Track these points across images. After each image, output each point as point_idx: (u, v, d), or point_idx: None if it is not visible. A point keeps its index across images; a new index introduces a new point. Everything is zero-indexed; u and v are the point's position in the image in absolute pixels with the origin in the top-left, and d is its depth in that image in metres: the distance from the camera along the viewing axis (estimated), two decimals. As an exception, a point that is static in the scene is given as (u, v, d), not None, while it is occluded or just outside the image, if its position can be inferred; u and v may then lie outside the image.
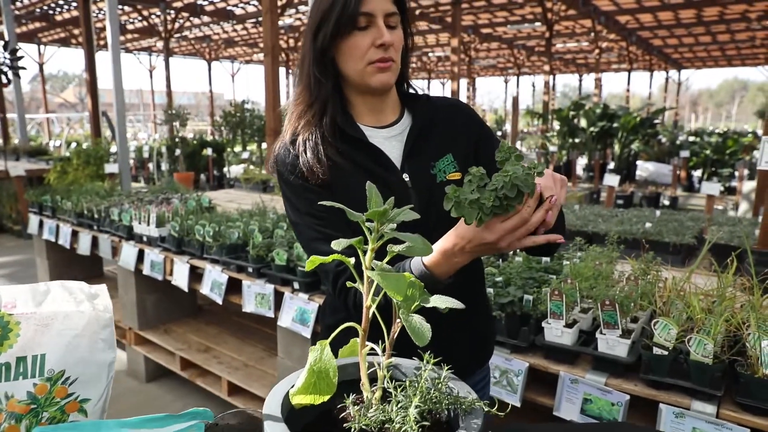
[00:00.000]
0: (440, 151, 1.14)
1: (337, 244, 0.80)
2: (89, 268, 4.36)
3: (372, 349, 0.87)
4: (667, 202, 8.52)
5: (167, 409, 3.11)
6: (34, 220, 4.10)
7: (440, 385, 0.81)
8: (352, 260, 0.86)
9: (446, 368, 0.83)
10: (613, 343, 1.58)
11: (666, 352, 1.48)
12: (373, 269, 0.85)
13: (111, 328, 0.88)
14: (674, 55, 25.55)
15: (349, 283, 0.91)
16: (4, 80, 7.65)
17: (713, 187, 5.13)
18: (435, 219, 1.09)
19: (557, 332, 1.68)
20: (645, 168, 11.33)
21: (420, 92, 1.22)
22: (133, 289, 3.30)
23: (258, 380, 2.78)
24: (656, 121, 12.81)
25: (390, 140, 1.14)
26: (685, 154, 10.34)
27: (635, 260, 1.96)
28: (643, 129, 11.49)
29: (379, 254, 0.84)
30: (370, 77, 1.06)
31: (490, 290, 1.86)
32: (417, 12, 15.42)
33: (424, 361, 0.81)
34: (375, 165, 1.10)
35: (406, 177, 1.11)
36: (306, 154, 1.07)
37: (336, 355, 0.95)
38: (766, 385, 1.34)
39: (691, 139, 12.57)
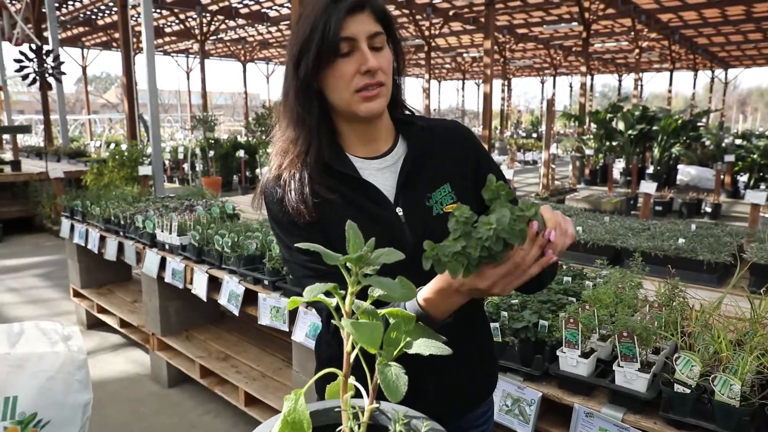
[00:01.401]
0: (436, 181, 1.07)
1: (310, 292, 0.75)
2: (118, 272, 4.45)
3: (359, 390, 0.83)
4: (709, 209, 8.15)
5: (188, 416, 3.15)
6: (66, 224, 4.21)
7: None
8: (334, 302, 0.82)
9: (426, 423, 0.78)
10: (631, 377, 1.49)
11: (688, 390, 1.38)
12: (354, 312, 0.81)
13: (86, 369, 0.86)
14: (721, 54, 24.58)
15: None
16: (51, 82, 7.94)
17: (759, 196, 4.84)
18: None
19: (572, 362, 1.59)
20: (686, 172, 10.90)
21: (416, 113, 1.16)
22: (157, 296, 3.34)
23: (274, 392, 2.77)
24: (700, 124, 12.31)
25: (383, 171, 1.08)
26: (729, 158, 9.88)
27: (660, 284, 1.85)
28: (684, 132, 11.05)
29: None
30: (357, 106, 1.00)
31: (504, 313, 1.79)
32: (451, 13, 15.30)
33: (395, 421, 0.76)
34: (366, 200, 1.04)
35: (399, 211, 1.05)
36: (291, 194, 1.02)
37: (324, 390, 0.91)
38: (798, 433, 1.24)
39: (738, 141, 12.02)
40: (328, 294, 0.81)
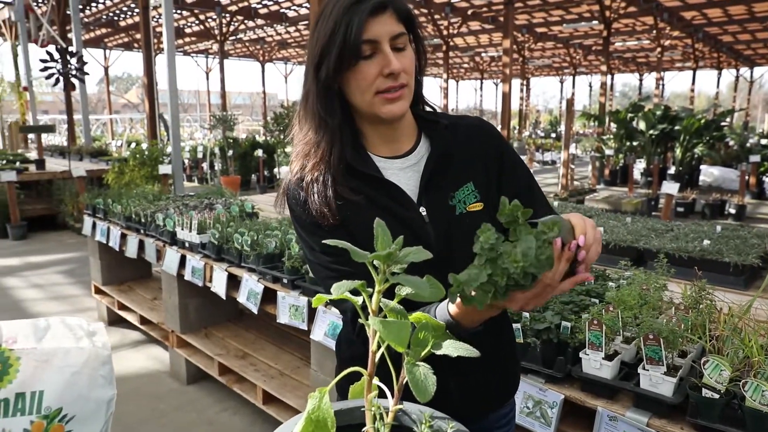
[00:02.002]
0: (459, 180, 1.06)
1: (337, 288, 0.74)
2: (139, 269, 4.50)
3: (383, 390, 0.82)
4: (733, 211, 7.99)
5: (207, 413, 3.17)
6: (88, 221, 4.27)
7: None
8: (360, 300, 0.81)
9: (451, 425, 0.77)
10: (656, 381, 1.46)
11: (717, 396, 1.34)
12: (381, 310, 0.80)
13: (110, 365, 0.86)
14: (746, 52, 24.07)
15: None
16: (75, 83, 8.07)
17: (785, 197, 4.74)
18: (457, 254, 1.02)
19: (595, 364, 1.56)
20: (709, 173, 10.70)
21: (437, 109, 1.14)
22: (176, 293, 3.37)
23: (292, 390, 2.78)
24: (723, 123, 12.07)
25: (405, 171, 1.06)
26: (755, 158, 9.66)
27: (686, 286, 1.81)
28: (708, 132, 10.83)
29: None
30: (379, 108, 0.98)
31: (525, 314, 1.76)
32: (469, 12, 15.22)
33: (420, 421, 0.74)
34: (389, 200, 1.03)
35: (423, 211, 1.04)
36: (314, 197, 1.00)
37: (347, 390, 0.90)
38: (834, 441, 1.20)
39: (764, 141, 11.77)
40: (354, 292, 0.80)
